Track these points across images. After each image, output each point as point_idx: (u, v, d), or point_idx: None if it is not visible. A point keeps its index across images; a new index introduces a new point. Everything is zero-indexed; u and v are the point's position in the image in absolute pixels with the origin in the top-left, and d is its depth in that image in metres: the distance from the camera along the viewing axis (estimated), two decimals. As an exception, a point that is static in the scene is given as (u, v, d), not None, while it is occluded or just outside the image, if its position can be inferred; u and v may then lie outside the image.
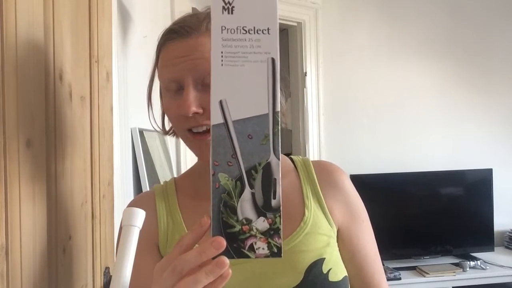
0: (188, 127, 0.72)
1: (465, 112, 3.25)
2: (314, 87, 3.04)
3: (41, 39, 0.73)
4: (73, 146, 0.86)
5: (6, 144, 0.61)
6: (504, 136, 3.28)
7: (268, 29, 0.48)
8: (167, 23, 2.19)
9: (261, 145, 0.49)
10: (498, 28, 3.29)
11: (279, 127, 0.49)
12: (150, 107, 0.84)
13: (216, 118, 0.48)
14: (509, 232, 3.16)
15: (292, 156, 0.87)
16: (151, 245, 0.77)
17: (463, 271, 2.75)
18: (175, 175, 1.96)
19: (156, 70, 0.79)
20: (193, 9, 2.31)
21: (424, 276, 2.69)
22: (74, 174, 0.87)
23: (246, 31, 0.48)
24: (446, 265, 2.83)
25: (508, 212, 3.17)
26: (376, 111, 3.14)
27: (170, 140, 2.03)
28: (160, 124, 0.86)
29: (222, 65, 0.48)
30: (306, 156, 3.00)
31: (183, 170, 2.13)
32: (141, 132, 1.54)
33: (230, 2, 0.48)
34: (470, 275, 2.72)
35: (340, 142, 3.09)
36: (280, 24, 0.77)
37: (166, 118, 0.85)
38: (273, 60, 0.48)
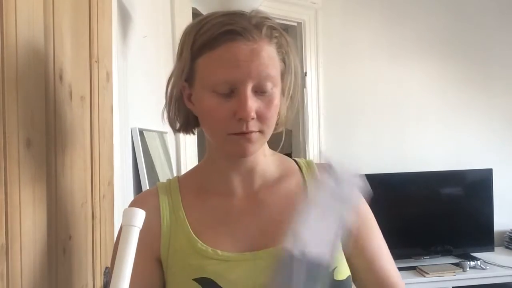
0: (237, 131, 0.71)
1: (465, 112, 3.25)
2: (314, 87, 3.04)
3: (41, 39, 0.73)
4: (73, 146, 0.86)
5: (6, 144, 0.61)
6: (504, 136, 3.28)
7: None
8: (167, 23, 2.19)
9: None
10: (498, 28, 3.29)
11: None
12: (169, 105, 0.80)
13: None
14: (509, 232, 3.16)
15: (295, 159, 0.88)
16: (147, 248, 0.77)
17: (463, 271, 2.75)
18: (175, 175, 1.95)
19: (190, 65, 0.74)
20: (193, 9, 2.31)
21: (424, 276, 2.69)
22: (74, 174, 0.87)
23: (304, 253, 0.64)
24: (446, 265, 2.83)
25: (508, 212, 3.17)
26: (376, 111, 3.14)
27: (170, 140, 2.03)
28: (173, 122, 0.83)
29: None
30: (306, 156, 3.01)
31: (183, 170, 2.13)
32: (141, 132, 1.54)
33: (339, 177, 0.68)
34: (470, 275, 2.72)
35: (340, 142, 3.09)
36: (280, 24, 0.78)
37: (171, 114, 0.82)
38: None
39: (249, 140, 0.72)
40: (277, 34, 0.75)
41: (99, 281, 0.99)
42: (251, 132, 0.72)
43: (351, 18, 3.14)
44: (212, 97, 0.72)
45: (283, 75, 0.77)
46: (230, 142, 0.74)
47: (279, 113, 0.78)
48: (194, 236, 0.76)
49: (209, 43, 0.71)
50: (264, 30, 0.72)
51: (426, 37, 3.20)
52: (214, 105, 0.72)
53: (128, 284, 0.58)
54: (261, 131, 0.73)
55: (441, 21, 3.23)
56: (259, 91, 0.72)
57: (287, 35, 0.77)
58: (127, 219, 0.61)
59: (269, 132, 0.76)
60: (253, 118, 0.71)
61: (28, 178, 0.67)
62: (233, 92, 0.71)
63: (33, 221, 0.69)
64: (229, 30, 0.71)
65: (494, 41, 3.29)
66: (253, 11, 0.75)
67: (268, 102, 0.73)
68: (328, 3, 3.08)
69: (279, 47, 0.75)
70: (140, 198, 0.87)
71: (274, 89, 0.74)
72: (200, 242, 0.76)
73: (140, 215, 0.62)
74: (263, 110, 0.72)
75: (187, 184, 0.84)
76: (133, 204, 0.82)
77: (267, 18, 0.75)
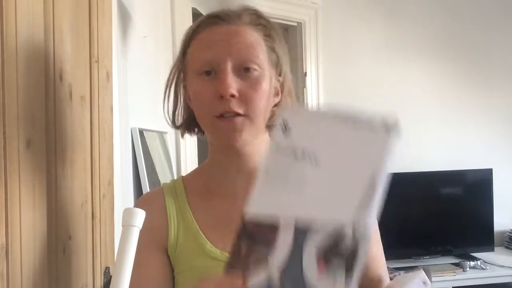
0: (221, 111, 0.72)
1: (465, 112, 3.25)
2: (314, 87, 3.04)
3: (41, 39, 0.73)
4: (73, 146, 0.86)
5: (6, 144, 0.61)
6: (504, 136, 3.28)
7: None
8: (167, 23, 2.19)
9: None
10: (498, 28, 3.29)
11: None
12: (167, 98, 0.83)
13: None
14: (509, 232, 3.16)
15: None
16: (159, 245, 0.78)
17: (463, 271, 2.75)
18: (175, 175, 1.95)
19: (183, 59, 0.78)
20: (193, 9, 2.31)
21: (424, 276, 2.69)
22: (74, 174, 0.87)
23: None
24: (446, 265, 2.83)
25: (508, 212, 3.17)
26: (376, 111, 3.14)
27: (170, 140, 2.03)
28: (173, 118, 0.85)
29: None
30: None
31: (183, 170, 2.13)
32: (141, 132, 1.54)
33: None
34: (470, 275, 2.72)
35: (340, 142, 3.08)
36: (280, 24, 0.79)
37: (176, 112, 0.84)
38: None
39: (234, 127, 0.72)
40: (263, 23, 0.76)
41: (99, 281, 0.99)
42: (235, 114, 0.72)
43: (351, 18, 3.13)
44: (198, 80, 0.74)
45: (276, 66, 0.78)
46: (216, 129, 0.74)
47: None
48: (204, 237, 0.77)
49: (195, 31, 0.76)
50: (246, 16, 0.75)
51: (426, 37, 3.20)
52: (199, 87, 0.74)
53: (128, 284, 0.58)
54: (246, 115, 0.73)
55: (441, 21, 3.23)
56: (243, 71, 0.72)
57: (277, 32, 0.79)
58: (127, 219, 0.61)
59: (257, 118, 0.75)
60: (233, 96, 0.71)
61: (28, 178, 0.67)
62: (216, 73, 0.72)
63: (33, 221, 0.69)
64: (211, 16, 0.75)
65: (494, 41, 3.29)
66: (244, 6, 0.77)
67: (254, 84, 0.73)
68: (328, 3, 3.08)
69: (267, 36, 0.76)
70: (145, 198, 0.87)
71: (261, 72, 0.74)
72: (209, 243, 0.76)
73: (140, 215, 0.62)
74: (247, 90, 0.72)
75: (192, 184, 0.84)
76: (138, 204, 0.83)
77: (255, 11, 0.77)
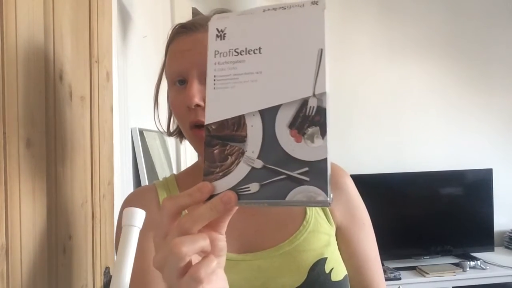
0: (190, 120, 0.73)
1: (465, 112, 3.25)
2: (314, 87, 3.04)
3: (41, 39, 0.73)
4: (73, 146, 0.86)
5: (6, 144, 0.61)
6: (504, 136, 3.28)
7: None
8: (167, 23, 2.19)
9: None
10: (498, 29, 3.29)
11: None
12: (156, 107, 0.85)
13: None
14: (509, 232, 3.16)
15: None
16: None
17: (463, 271, 2.75)
18: (171, 173, 1.95)
19: (165, 69, 0.81)
20: (193, 9, 2.31)
21: (424, 276, 2.69)
22: (74, 174, 0.87)
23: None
24: (446, 265, 2.83)
25: (508, 212, 3.17)
26: (376, 111, 3.14)
27: (170, 140, 2.03)
28: (165, 125, 0.87)
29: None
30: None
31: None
32: (141, 132, 1.54)
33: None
34: (470, 275, 2.72)
35: (340, 142, 3.09)
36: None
37: (171, 119, 0.86)
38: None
39: (201, 136, 0.72)
40: None
41: (99, 281, 0.99)
42: (203, 123, 0.72)
43: (350, 18, 3.14)
44: (173, 90, 0.76)
45: None
46: (190, 139, 0.76)
47: None
48: None
49: (168, 44, 0.79)
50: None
51: (426, 35, 3.20)
52: (173, 97, 0.76)
53: (128, 283, 0.58)
54: None
55: (441, 19, 3.23)
56: None
57: None
58: (127, 219, 0.61)
59: None
60: (198, 105, 0.71)
61: (28, 178, 0.67)
62: (187, 82, 0.74)
63: (33, 221, 0.69)
64: (179, 27, 0.77)
65: (495, 40, 3.29)
66: (214, 10, 0.78)
67: None
68: (328, 3, 3.07)
69: None
70: (137, 193, 0.85)
71: None
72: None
73: (139, 215, 0.62)
74: None
75: (184, 181, 0.84)
76: (130, 199, 0.81)
77: (224, 12, 0.77)
